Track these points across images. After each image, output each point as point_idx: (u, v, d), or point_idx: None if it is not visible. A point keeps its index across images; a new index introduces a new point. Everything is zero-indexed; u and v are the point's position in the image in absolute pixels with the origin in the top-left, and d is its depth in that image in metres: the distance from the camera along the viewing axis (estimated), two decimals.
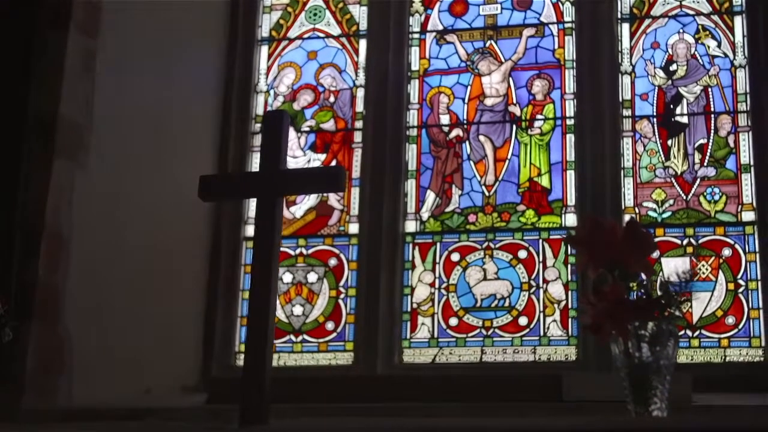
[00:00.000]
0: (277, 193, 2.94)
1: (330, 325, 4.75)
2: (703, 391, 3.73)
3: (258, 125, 5.10)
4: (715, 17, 4.81)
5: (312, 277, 4.83)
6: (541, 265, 4.62)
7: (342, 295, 4.78)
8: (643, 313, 2.57)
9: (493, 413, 3.53)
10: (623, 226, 2.67)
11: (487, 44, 5.01)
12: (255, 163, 5.03)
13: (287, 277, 4.84)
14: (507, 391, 4.06)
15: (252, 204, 4.92)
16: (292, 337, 4.77)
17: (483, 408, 3.63)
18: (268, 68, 5.21)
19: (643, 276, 2.63)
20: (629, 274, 2.58)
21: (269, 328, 2.78)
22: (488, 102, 4.92)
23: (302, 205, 4.95)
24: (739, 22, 4.77)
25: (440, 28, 5.10)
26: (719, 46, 4.76)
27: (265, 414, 2.75)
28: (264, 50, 5.25)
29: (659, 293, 2.58)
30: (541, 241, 4.65)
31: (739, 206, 4.53)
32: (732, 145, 4.61)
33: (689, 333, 4.35)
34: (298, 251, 4.87)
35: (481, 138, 4.87)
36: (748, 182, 4.54)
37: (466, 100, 4.94)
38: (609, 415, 2.82)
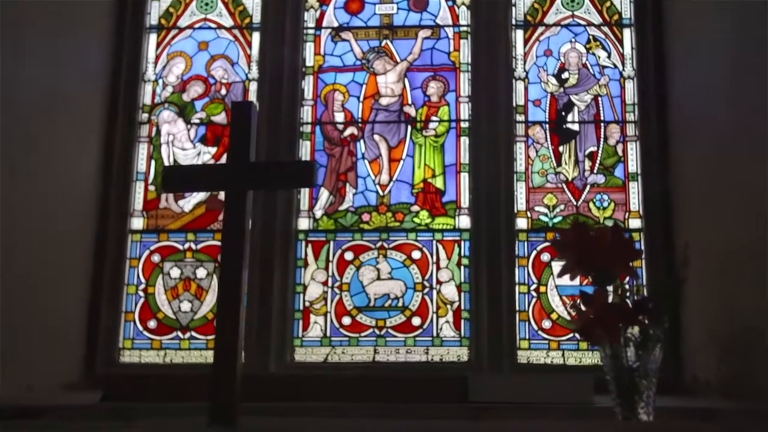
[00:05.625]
0: (247, 186, 2.87)
1: None
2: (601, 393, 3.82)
3: (145, 115, 4.97)
4: (606, 29, 4.94)
5: (201, 272, 4.73)
6: (434, 266, 4.65)
7: None
8: (630, 318, 2.62)
9: (402, 414, 3.52)
10: (609, 233, 2.72)
11: (383, 43, 5.01)
12: (142, 153, 4.90)
13: (175, 272, 4.73)
14: (403, 391, 4.04)
15: (138, 197, 4.82)
16: (180, 334, 4.66)
17: (395, 409, 3.59)
18: (157, 57, 5.07)
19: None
20: (613, 278, 2.63)
21: (240, 325, 2.71)
22: (383, 101, 4.91)
23: (191, 199, 4.83)
24: (628, 35, 4.92)
25: (335, 24, 5.06)
26: (609, 56, 4.89)
27: (235, 413, 2.68)
28: (153, 38, 5.10)
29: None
30: (434, 242, 4.68)
31: (627, 213, 4.66)
32: (620, 153, 4.75)
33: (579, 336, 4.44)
34: (186, 246, 4.76)
35: (376, 137, 4.86)
36: (635, 190, 4.68)
37: (361, 99, 4.92)
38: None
